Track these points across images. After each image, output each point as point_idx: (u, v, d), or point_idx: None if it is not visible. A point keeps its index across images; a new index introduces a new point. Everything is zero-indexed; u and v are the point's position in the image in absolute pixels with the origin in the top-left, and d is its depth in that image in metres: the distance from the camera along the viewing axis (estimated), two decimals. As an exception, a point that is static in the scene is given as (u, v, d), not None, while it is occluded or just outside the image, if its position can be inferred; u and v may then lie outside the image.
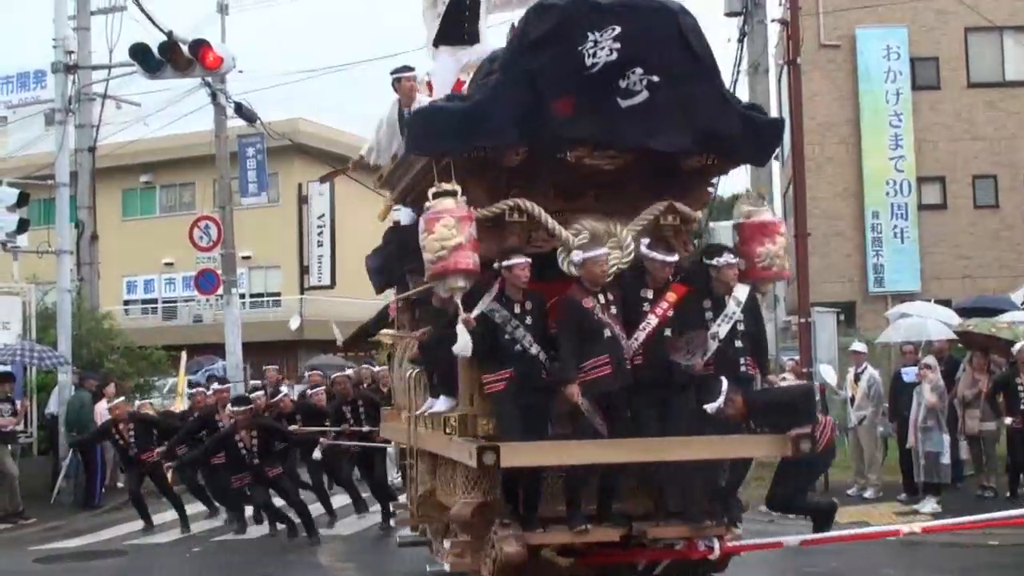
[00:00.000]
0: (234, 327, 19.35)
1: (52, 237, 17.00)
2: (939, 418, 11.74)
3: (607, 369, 6.45)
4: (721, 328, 6.76)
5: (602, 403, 6.45)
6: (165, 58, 14.14)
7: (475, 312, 6.50)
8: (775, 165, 15.52)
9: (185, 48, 14.07)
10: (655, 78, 6.55)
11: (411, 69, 8.56)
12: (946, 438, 11.71)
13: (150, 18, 14.31)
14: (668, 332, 6.68)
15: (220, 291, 19.86)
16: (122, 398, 13.48)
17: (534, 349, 6.58)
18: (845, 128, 24.05)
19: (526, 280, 6.66)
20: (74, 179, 17.78)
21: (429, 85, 8.60)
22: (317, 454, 12.29)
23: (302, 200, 35.04)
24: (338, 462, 12.55)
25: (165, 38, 14.03)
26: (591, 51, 6.42)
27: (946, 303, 16.48)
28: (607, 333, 6.53)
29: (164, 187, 37.97)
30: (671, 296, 6.77)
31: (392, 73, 8.55)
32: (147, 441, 12.66)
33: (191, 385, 15.46)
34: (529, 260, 6.68)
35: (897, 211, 23.76)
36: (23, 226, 16.57)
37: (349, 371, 13.82)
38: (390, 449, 11.80)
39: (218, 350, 20.89)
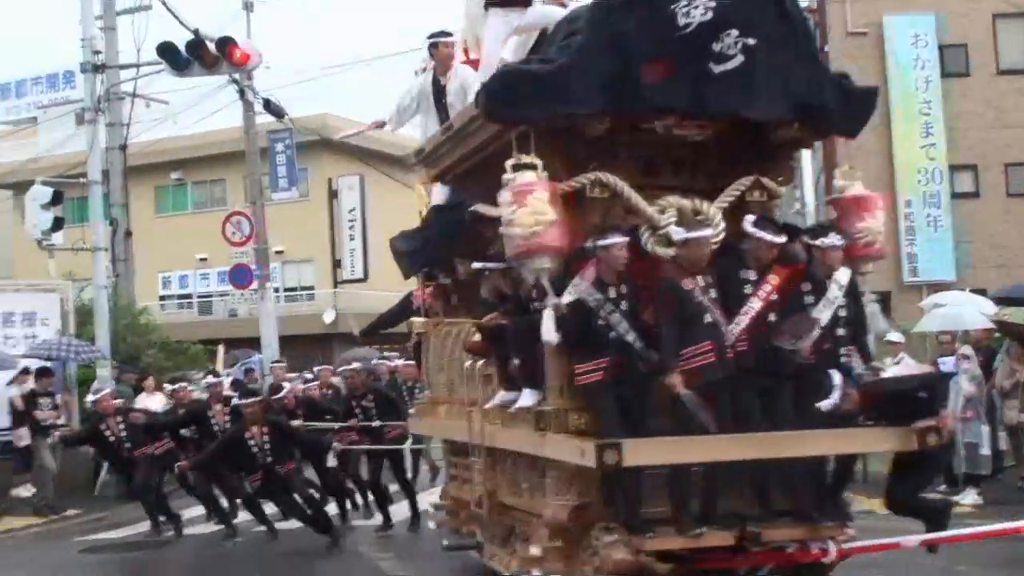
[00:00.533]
0: (269, 321, 19.50)
1: (87, 234, 17.20)
2: (978, 408, 11.62)
3: (711, 357, 5.98)
4: (823, 314, 6.26)
5: (703, 393, 5.94)
6: (192, 56, 14.34)
7: (567, 297, 5.97)
8: (806, 154, 15.37)
9: (212, 45, 14.27)
10: (751, 41, 6.07)
11: (449, 35, 8.08)
12: (985, 429, 11.57)
13: (176, 16, 14.52)
14: (772, 317, 6.17)
15: (254, 285, 20.01)
16: (106, 390, 12.14)
17: (630, 336, 6.06)
18: (875, 116, 23.77)
19: (624, 261, 6.11)
20: (106, 177, 17.97)
21: (467, 51, 8.20)
22: (332, 461, 11.27)
23: (332, 194, 35.31)
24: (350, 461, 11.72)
25: (192, 36, 14.20)
26: (684, 10, 5.94)
27: (981, 292, 16.32)
28: (708, 318, 6.05)
29: (196, 183, 38.23)
30: (774, 278, 6.24)
31: (428, 38, 8.08)
32: (140, 436, 11.72)
33: (173, 380, 14.66)
34: (627, 239, 6.11)
35: (929, 200, 23.53)
36: (58, 224, 16.78)
37: (356, 364, 12.90)
38: (407, 447, 11.39)
39: (254, 344, 21.07)
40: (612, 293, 6.13)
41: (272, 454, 10.31)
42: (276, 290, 24.69)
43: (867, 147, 23.66)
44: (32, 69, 40.32)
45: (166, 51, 14.38)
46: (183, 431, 11.92)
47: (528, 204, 5.76)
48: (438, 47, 7.97)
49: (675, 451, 5.84)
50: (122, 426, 11.69)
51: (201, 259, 35.94)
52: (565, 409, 6.11)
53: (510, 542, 7.17)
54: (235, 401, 10.72)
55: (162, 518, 11.90)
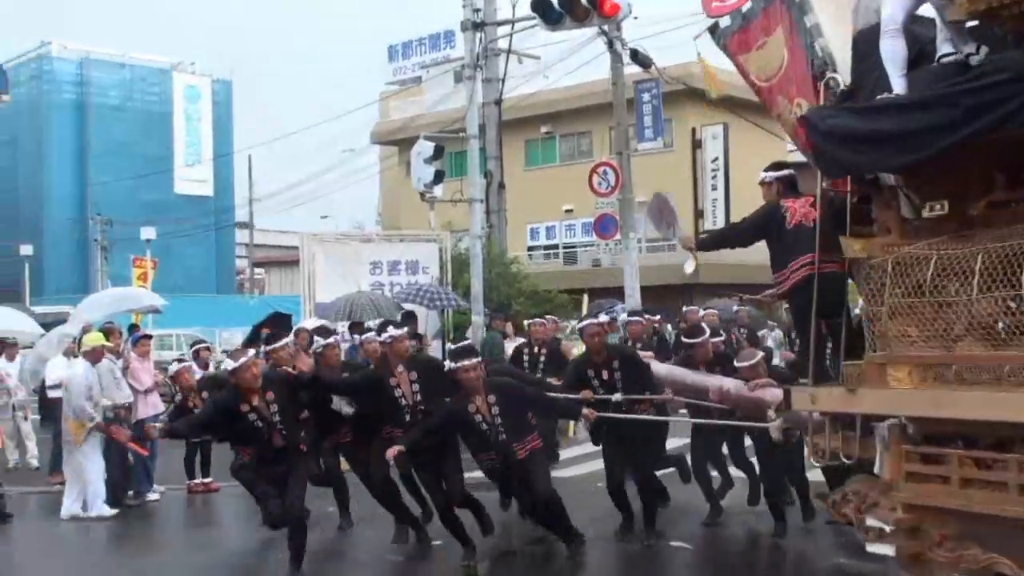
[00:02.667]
0: (632, 271, 19.69)
1: (464, 187, 18.12)
2: None
3: None
4: None
5: None
6: (564, 9, 14.63)
7: None
8: None
9: (583, -2, 14.49)
10: None
11: None
12: None
13: (548, -30, 14.78)
14: None
15: (618, 236, 20.28)
16: (251, 352, 8.05)
17: None
18: None
19: None
20: (482, 132, 18.81)
21: None
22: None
23: (695, 144, 35.07)
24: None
25: (564, -10, 14.50)
26: None
27: None
28: None
29: (563, 136, 39.34)
30: None
31: None
32: (295, 412, 8.08)
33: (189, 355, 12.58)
34: None
35: None
36: (439, 177, 17.78)
37: (603, 317, 9.29)
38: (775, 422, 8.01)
39: (615, 293, 21.40)
40: None
41: (505, 429, 7.83)
42: (638, 240, 24.86)
43: None
44: (416, 31, 43.31)
45: (540, 6, 14.77)
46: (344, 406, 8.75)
47: None
48: None
49: None
50: (275, 407, 7.79)
51: (567, 210, 37.03)
52: None
53: None
54: (449, 365, 7.90)
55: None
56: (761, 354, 8.45)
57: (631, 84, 22.07)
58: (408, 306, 15.84)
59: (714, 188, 34.57)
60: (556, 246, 39.10)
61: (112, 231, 40.60)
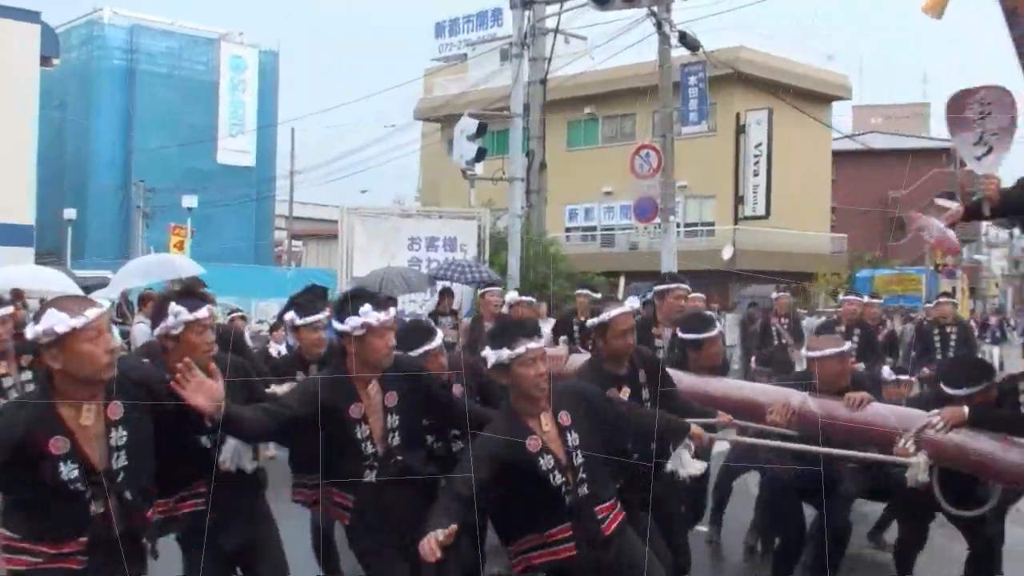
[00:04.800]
0: (670, 255, 19.60)
1: (505, 165, 18.08)
2: None
3: None
4: None
5: None
6: (615, -11, 14.55)
7: None
8: None
9: (634, -21, 14.38)
10: None
11: None
12: None
13: (600, -49, 14.68)
14: None
15: (657, 220, 20.17)
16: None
17: None
18: None
19: None
20: (526, 111, 18.75)
21: None
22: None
23: (739, 130, 34.80)
24: None
25: (614, -30, 14.39)
26: None
27: None
28: None
29: (606, 118, 39.14)
30: None
31: None
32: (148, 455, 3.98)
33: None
34: None
35: None
36: (480, 155, 17.77)
37: (632, 301, 6.17)
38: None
39: (652, 277, 21.31)
40: None
41: (588, 476, 4.30)
42: (677, 225, 24.72)
43: None
44: (464, 8, 43.25)
45: (589, -15, 14.71)
46: None
47: None
48: None
49: None
50: (122, 437, 3.70)
51: (606, 192, 36.89)
52: None
53: None
54: (494, 356, 4.28)
55: None
56: (849, 342, 5.93)
57: (677, 67, 21.87)
58: (443, 282, 15.82)
59: (756, 174, 34.35)
60: (594, 228, 39.00)
61: (154, 198, 40.89)
